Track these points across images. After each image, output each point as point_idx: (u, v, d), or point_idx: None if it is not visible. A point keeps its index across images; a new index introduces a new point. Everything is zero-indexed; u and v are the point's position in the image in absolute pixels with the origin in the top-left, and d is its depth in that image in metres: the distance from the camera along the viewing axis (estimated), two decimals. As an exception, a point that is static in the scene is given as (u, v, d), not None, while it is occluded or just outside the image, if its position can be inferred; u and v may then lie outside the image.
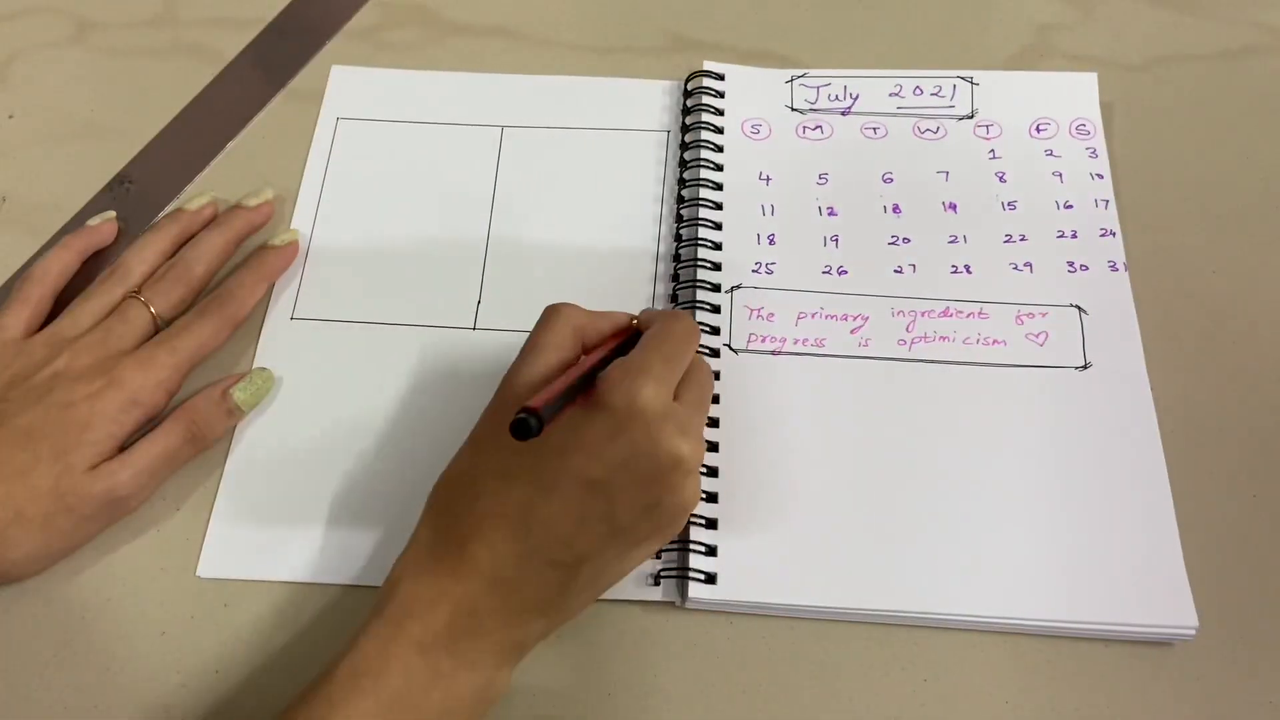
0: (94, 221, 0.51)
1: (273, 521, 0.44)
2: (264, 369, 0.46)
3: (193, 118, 0.56)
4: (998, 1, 0.59)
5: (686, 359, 0.40)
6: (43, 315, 0.47)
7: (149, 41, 0.59)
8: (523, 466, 0.37)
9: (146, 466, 0.43)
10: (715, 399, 0.45)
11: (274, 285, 0.49)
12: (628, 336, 0.41)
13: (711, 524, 0.43)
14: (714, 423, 0.45)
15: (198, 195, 0.51)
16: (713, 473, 0.44)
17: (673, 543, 0.42)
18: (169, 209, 0.52)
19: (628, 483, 0.37)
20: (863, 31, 0.58)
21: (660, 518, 0.38)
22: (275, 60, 0.58)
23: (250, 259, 0.49)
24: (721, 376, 0.46)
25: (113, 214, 0.51)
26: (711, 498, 0.43)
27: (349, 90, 0.56)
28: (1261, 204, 0.52)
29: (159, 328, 0.46)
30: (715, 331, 0.47)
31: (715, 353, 0.47)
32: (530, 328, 0.41)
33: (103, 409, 0.42)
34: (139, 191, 0.53)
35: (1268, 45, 0.57)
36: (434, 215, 0.52)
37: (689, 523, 0.42)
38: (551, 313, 0.41)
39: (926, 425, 0.45)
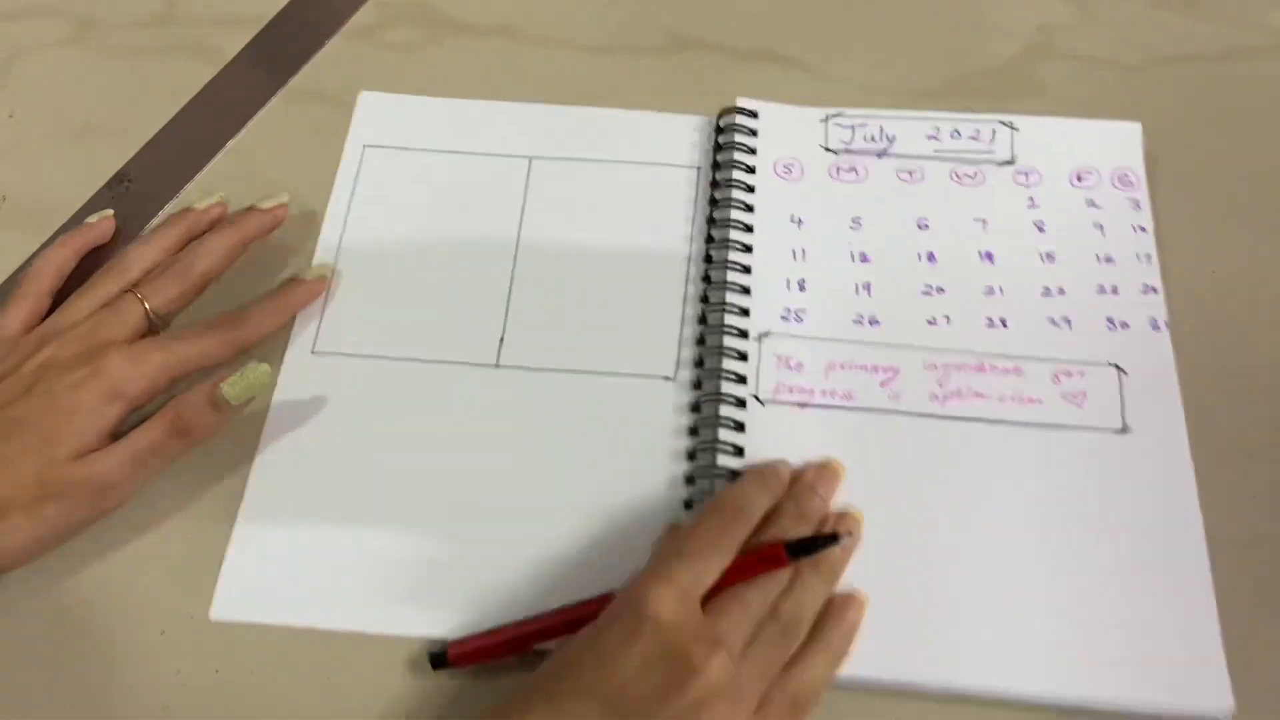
0: (92, 219, 0.51)
1: (287, 560, 0.43)
2: (260, 364, 0.44)
3: (192, 117, 0.56)
4: (998, 0, 0.59)
5: (729, 539, 0.39)
6: (41, 313, 0.47)
7: (149, 41, 0.59)
8: (538, 690, 0.36)
9: (131, 457, 0.42)
10: (740, 451, 0.44)
11: (295, 318, 0.49)
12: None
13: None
14: (735, 475, 0.44)
15: (206, 195, 0.51)
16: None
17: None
18: (169, 208, 0.52)
19: (648, 701, 0.35)
20: (863, 31, 0.58)
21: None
22: (275, 59, 0.58)
23: (277, 288, 0.48)
24: (747, 428, 0.45)
25: (110, 212, 0.51)
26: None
27: (376, 117, 0.55)
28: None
29: (153, 324, 0.46)
30: (743, 380, 0.46)
31: (741, 403, 0.45)
32: (552, 364, 0.44)
33: (86, 399, 0.42)
34: (138, 190, 0.53)
35: (1272, 46, 0.57)
36: (459, 248, 0.51)
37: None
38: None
39: (957, 487, 0.44)
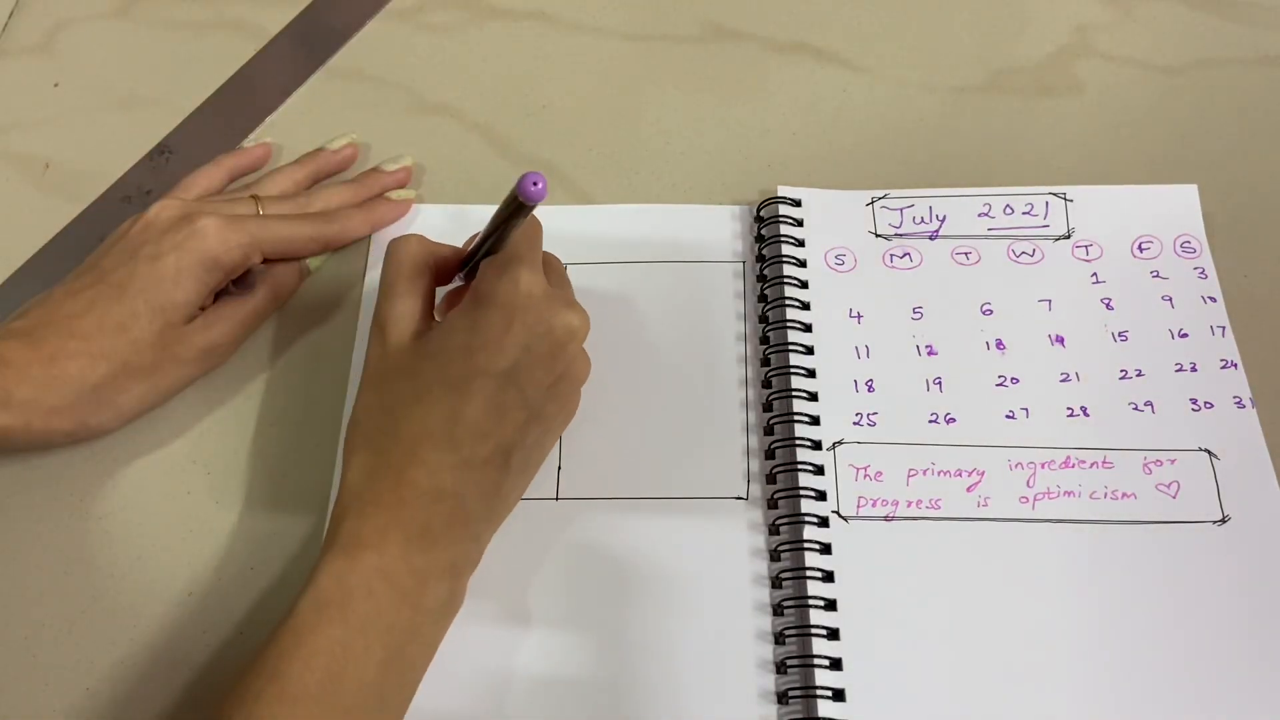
0: (248, 143, 0.54)
1: None
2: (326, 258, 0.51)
3: (233, 92, 0.57)
4: (1036, 0, 0.59)
5: (541, 244, 0.43)
6: None
7: (193, 16, 0.60)
8: (433, 382, 0.39)
9: (240, 321, 0.47)
10: (830, 576, 0.42)
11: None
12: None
13: (839, 695, 0.39)
14: (831, 605, 0.41)
15: (339, 136, 0.53)
16: (833, 635, 0.41)
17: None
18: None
19: (533, 365, 0.40)
20: (900, 26, 0.59)
21: (563, 393, 0.42)
22: (316, 38, 0.59)
23: (366, 202, 0.51)
24: (834, 549, 0.42)
25: (269, 140, 0.54)
26: (836, 665, 0.40)
27: (398, 228, 0.51)
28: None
29: None
30: (822, 496, 0.43)
31: (824, 521, 0.43)
32: (613, 492, 0.44)
33: (188, 265, 0.44)
34: (178, 161, 0.54)
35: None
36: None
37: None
38: (397, 248, 0.42)
39: (1054, 593, 0.41)
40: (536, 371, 0.40)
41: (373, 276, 0.50)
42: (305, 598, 0.36)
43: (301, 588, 0.37)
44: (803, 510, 0.43)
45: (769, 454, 0.45)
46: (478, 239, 0.43)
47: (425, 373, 0.39)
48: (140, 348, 0.43)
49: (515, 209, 0.39)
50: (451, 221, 0.52)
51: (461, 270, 0.45)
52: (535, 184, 0.37)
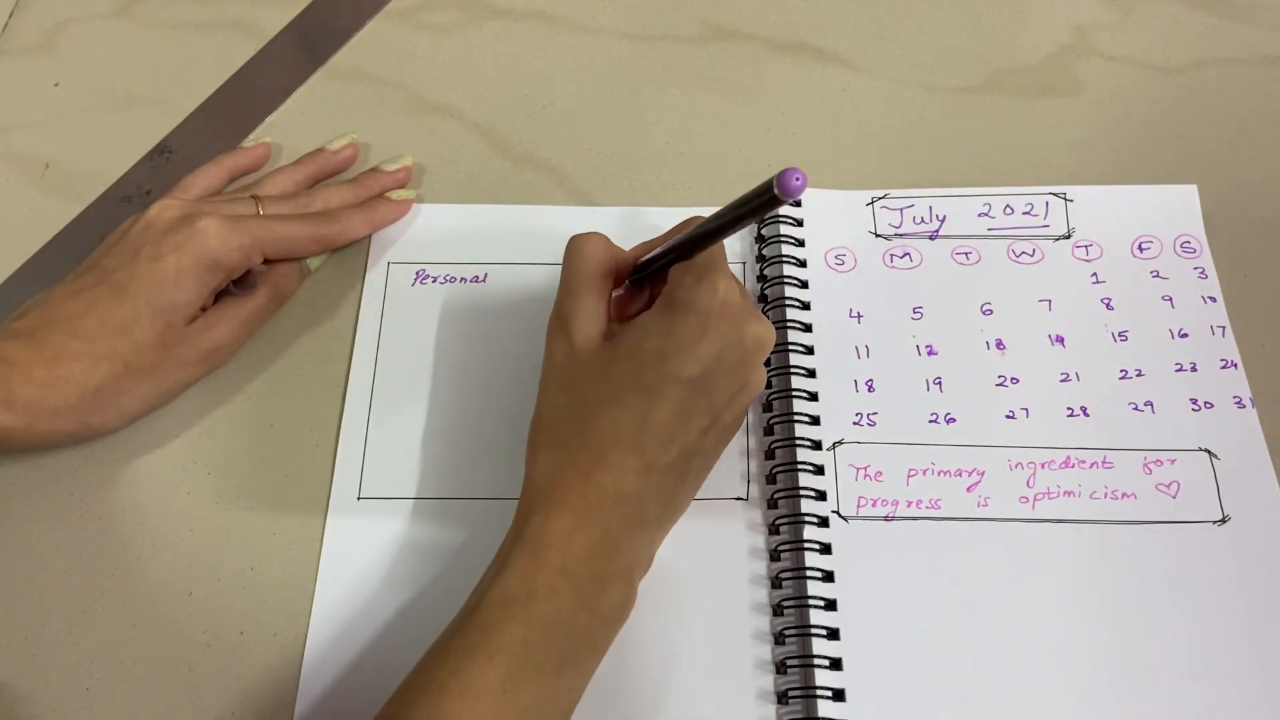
0: (248, 143, 0.53)
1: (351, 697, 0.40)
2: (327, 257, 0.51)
3: (233, 92, 0.57)
4: (1036, 0, 0.60)
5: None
6: None
7: (193, 16, 0.60)
8: (625, 385, 0.39)
9: (241, 321, 0.47)
10: (830, 576, 0.42)
11: (337, 451, 0.46)
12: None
13: (839, 695, 0.40)
14: (831, 605, 0.41)
15: (339, 136, 0.53)
16: (833, 635, 0.41)
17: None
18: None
19: (722, 373, 0.39)
20: (901, 27, 0.59)
21: (742, 403, 0.41)
22: (316, 38, 0.59)
23: (366, 201, 0.51)
24: (834, 549, 0.42)
25: (268, 140, 0.54)
26: (835, 665, 0.40)
27: (399, 229, 0.51)
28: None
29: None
30: (822, 496, 0.43)
31: (824, 521, 0.43)
32: None
33: (189, 266, 0.44)
34: (178, 161, 0.54)
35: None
36: (500, 373, 0.48)
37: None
38: (582, 246, 0.42)
39: (1054, 594, 0.42)
40: (725, 380, 0.39)
41: (373, 277, 0.50)
42: (492, 593, 0.36)
43: (486, 581, 0.37)
44: (803, 510, 0.43)
45: (769, 454, 0.45)
46: (663, 246, 0.42)
47: (617, 375, 0.39)
48: (142, 349, 0.43)
49: (761, 204, 0.36)
50: (451, 221, 0.52)
51: (635, 276, 0.44)
52: (797, 180, 0.33)
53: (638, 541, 0.39)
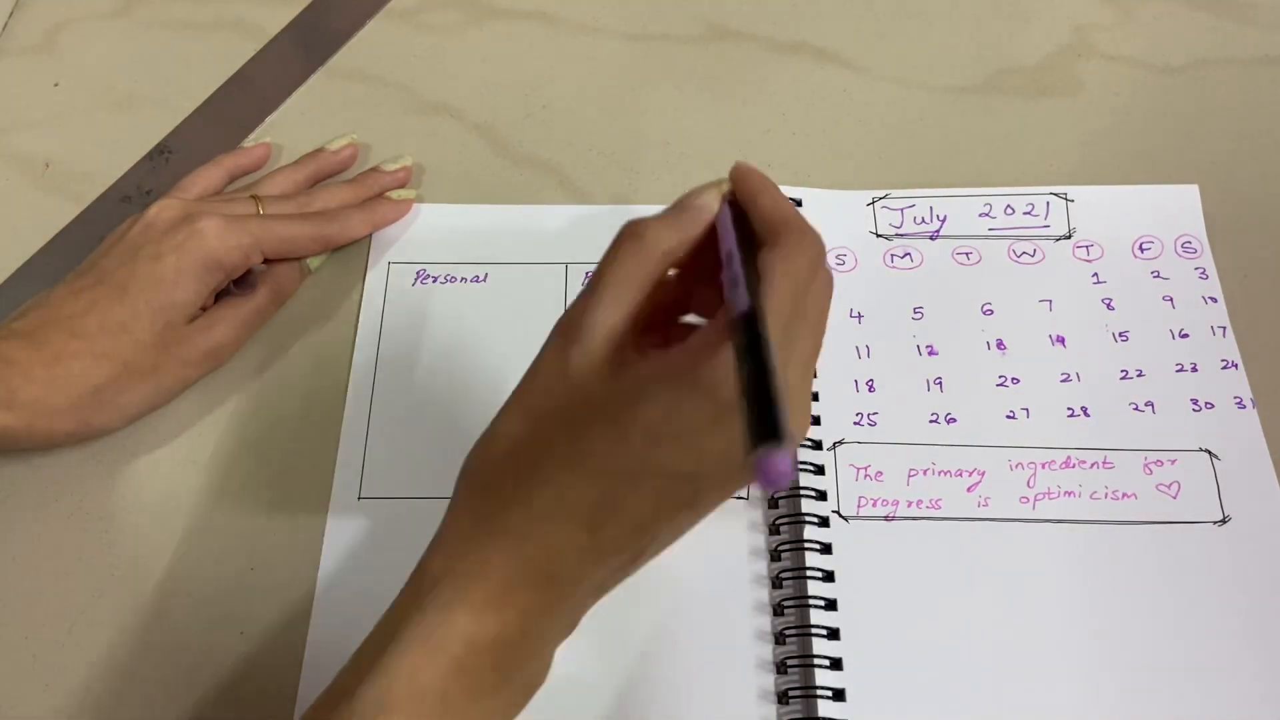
0: (248, 143, 0.53)
1: None
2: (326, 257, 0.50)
3: (233, 92, 0.57)
4: (1036, 0, 0.60)
5: (817, 310, 0.32)
6: None
7: (193, 16, 0.60)
8: (598, 453, 0.30)
9: (241, 321, 0.47)
10: (830, 576, 0.42)
11: (337, 454, 0.45)
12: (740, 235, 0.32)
13: (839, 695, 0.39)
14: (831, 605, 0.41)
15: (339, 136, 0.53)
16: (833, 635, 0.41)
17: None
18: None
19: (720, 473, 0.30)
20: (901, 27, 0.59)
21: (736, 488, 0.32)
22: (316, 38, 0.59)
23: (366, 201, 0.51)
24: (834, 549, 0.42)
25: (268, 140, 0.54)
26: (836, 664, 0.40)
27: (399, 229, 0.52)
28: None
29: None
30: (822, 496, 0.43)
31: (825, 521, 0.43)
32: None
33: (189, 266, 0.44)
34: (178, 161, 0.54)
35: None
36: (500, 373, 0.48)
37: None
38: (635, 237, 0.32)
39: (1055, 593, 0.41)
40: (722, 479, 0.31)
41: (373, 277, 0.50)
42: (370, 689, 0.30)
43: (363, 667, 0.31)
44: (803, 510, 0.43)
45: (769, 454, 0.45)
46: (733, 264, 0.31)
47: (594, 436, 0.30)
48: (142, 348, 0.43)
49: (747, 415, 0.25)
50: (451, 221, 0.52)
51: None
52: (778, 474, 0.23)
53: (562, 618, 0.32)
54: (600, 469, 0.30)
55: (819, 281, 0.32)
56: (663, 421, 0.29)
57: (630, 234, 0.32)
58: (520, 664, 0.32)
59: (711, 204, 0.33)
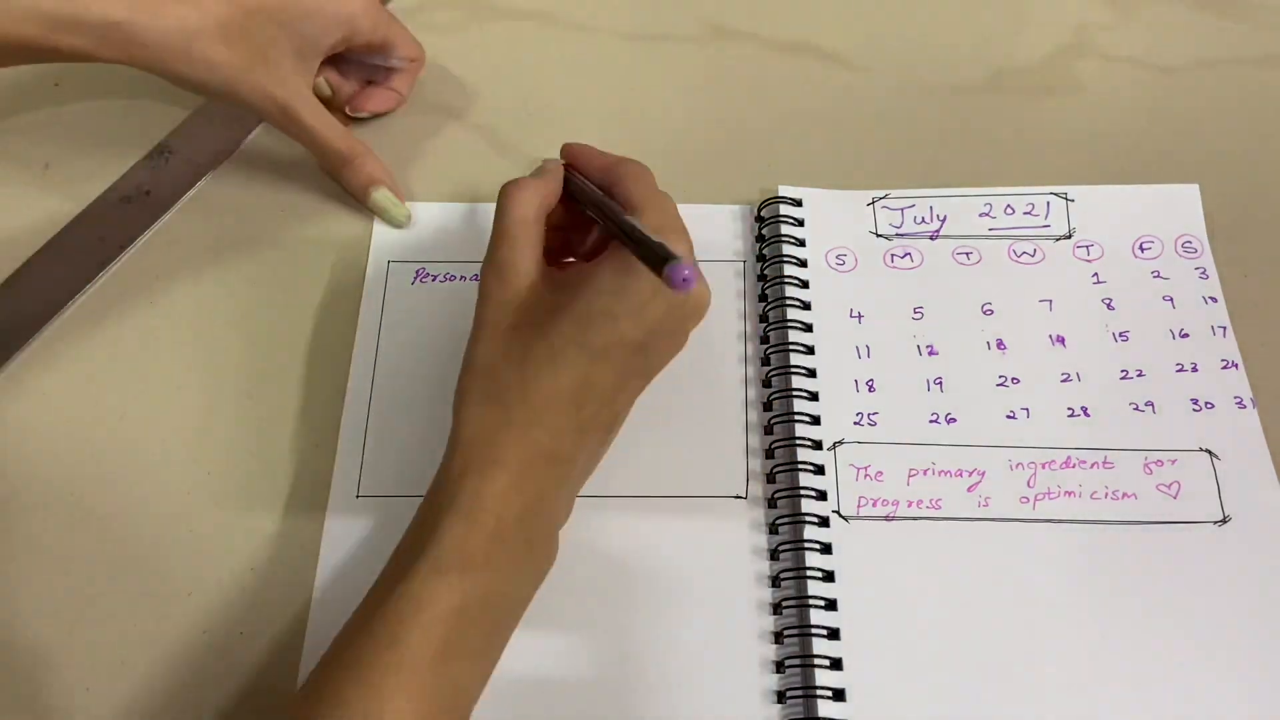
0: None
1: None
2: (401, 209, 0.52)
3: None
4: (1036, 0, 0.60)
5: (646, 183, 0.42)
6: None
7: None
8: (570, 344, 0.38)
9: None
10: (830, 576, 0.42)
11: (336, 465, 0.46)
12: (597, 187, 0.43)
13: (839, 695, 0.40)
14: (831, 604, 0.41)
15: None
16: (833, 635, 0.41)
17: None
18: (207, 179, 0.53)
19: (664, 335, 0.40)
20: (901, 27, 0.59)
21: (669, 358, 0.41)
22: None
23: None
24: (834, 549, 0.42)
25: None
26: (836, 664, 0.40)
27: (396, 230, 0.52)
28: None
29: None
30: (822, 496, 0.43)
31: (825, 521, 0.43)
32: (614, 490, 0.44)
33: None
34: (178, 161, 0.54)
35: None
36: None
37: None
38: (515, 194, 0.41)
39: (1055, 593, 0.41)
40: (664, 342, 0.40)
41: (372, 276, 0.50)
42: (425, 561, 0.35)
43: (414, 545, 0.36)
44: (803, 510, 0.43)
45: (769, 453, 0.45)
46: (602, 207, 0.41)
47: (562, 331, 0.38)
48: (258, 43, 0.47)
49: (650, 261, 0.35)
50: (451, 221, 0.52)
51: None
52: (684, 279, 0.33)
53: (564, 499, 0.39)
54: (572, 354, 0.38)
55: (640, 169, 0.43)
56: (613, 303, 0.38)
57: (512, 189, 0.41)
58: (540, 539, 0.38)
59: (559, 163, 0.44)
